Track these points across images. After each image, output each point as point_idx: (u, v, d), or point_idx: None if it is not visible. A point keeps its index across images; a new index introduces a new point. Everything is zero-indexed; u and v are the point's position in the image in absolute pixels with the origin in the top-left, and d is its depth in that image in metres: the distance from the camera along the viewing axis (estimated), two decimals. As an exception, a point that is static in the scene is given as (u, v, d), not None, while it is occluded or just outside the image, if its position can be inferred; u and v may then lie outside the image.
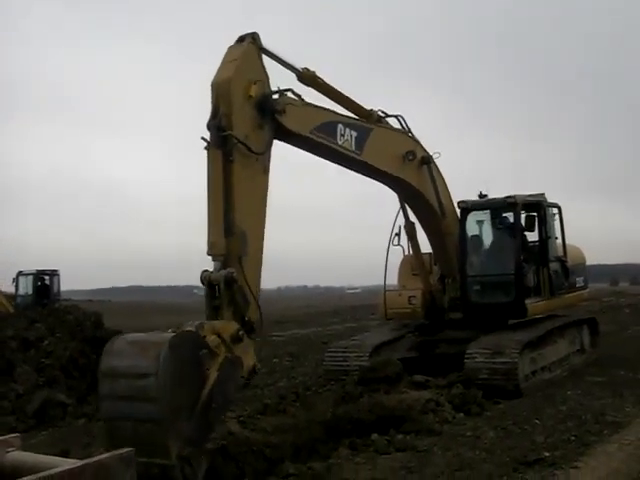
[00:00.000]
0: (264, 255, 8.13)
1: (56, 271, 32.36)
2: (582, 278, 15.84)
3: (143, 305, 71.74)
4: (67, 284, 37.55)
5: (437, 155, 12.47)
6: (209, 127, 7.72)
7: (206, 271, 7.43)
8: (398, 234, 13.29)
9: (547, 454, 7.74)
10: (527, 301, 12.93)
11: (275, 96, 8.49)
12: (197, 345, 6.46)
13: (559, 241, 14.54)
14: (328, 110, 9.68)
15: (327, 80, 10.04)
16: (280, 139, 8.73)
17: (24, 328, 14.34)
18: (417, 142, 12.06)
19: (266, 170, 8.28)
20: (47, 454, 5.86)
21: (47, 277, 32.02)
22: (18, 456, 5.60)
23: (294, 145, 9.23)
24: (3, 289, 29.26)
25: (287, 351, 20.65)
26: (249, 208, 7.88)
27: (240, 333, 7.06)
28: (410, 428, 9.17)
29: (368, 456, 8.25)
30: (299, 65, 9.51)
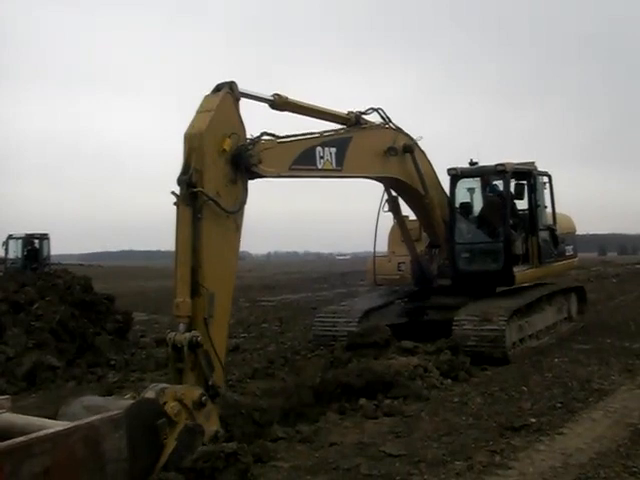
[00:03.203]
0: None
1: (46, 235, 32.13)
2: (571, 247, 15.92)
3: (135, 269, 71.75)
4: (58, 248, 37.37)
5: (419, 138, 12.30)
6: (179, 182, 7.27)
7: (171, 332, 7.09)
8: (388, 200, 13.24)
9: (533, 420, 7.83)
10: (515, 269, 12.98)
11: (249, 146, 7.92)
12: (154, 413, 6.14)
13: (549, 210, 14.56)
14: (304, 137, 9.23)
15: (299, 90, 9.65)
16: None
17: (14, 291, 14.28)
18: (398, 131, 11.85)
19: (238, 227, 7.86)
20: (38, 416, 5.93)
21: (37, 241, 31.86)
22: (9, 417, 5.66)
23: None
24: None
25: (276, 316, 20.79)
26: (218, 268, 7.50)
27: (203, 399, 6.70)
28: (398, 393, 9.20)
29: (356, 420, 8.32)
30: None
